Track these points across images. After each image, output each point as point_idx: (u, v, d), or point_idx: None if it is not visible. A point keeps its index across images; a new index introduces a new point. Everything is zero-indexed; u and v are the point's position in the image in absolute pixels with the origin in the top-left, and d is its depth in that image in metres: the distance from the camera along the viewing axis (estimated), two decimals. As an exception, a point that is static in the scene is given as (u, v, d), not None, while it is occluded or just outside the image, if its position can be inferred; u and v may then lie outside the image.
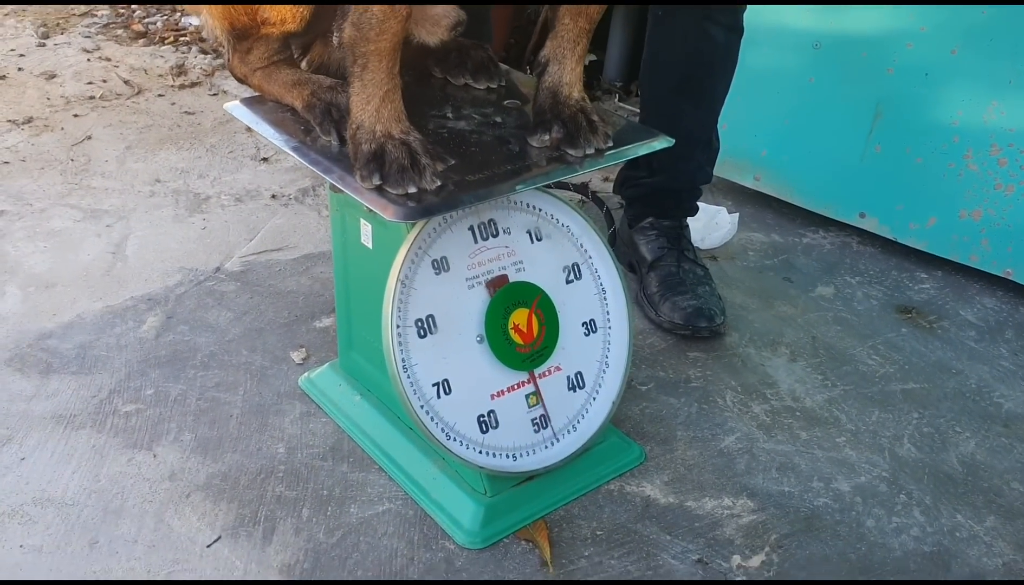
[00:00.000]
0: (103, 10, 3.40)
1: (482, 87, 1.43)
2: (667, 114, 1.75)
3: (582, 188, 1.96)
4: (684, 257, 1.82)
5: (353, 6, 1.05)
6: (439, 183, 1.11)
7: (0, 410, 1.47)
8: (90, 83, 2.78)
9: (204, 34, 1.31)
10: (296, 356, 1.64)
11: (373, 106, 1.10)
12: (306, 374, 1.58)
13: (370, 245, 1.33)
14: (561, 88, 1.24)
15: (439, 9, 1.29)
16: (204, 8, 1.31)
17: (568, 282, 1.37)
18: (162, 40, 3.14)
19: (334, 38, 1.12)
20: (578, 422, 1.37)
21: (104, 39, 3.16)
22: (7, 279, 1.81)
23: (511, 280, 1.30)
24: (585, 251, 1.38)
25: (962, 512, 1.38)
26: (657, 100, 1.77)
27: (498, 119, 1.33)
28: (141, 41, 3.15)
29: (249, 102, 1.35)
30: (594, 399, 1.39)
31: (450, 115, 1.33)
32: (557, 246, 1.36)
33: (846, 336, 1.78)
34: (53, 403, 1.49)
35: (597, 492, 1.38)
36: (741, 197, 2.26)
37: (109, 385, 1.54)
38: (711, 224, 2.05)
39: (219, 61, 2.98)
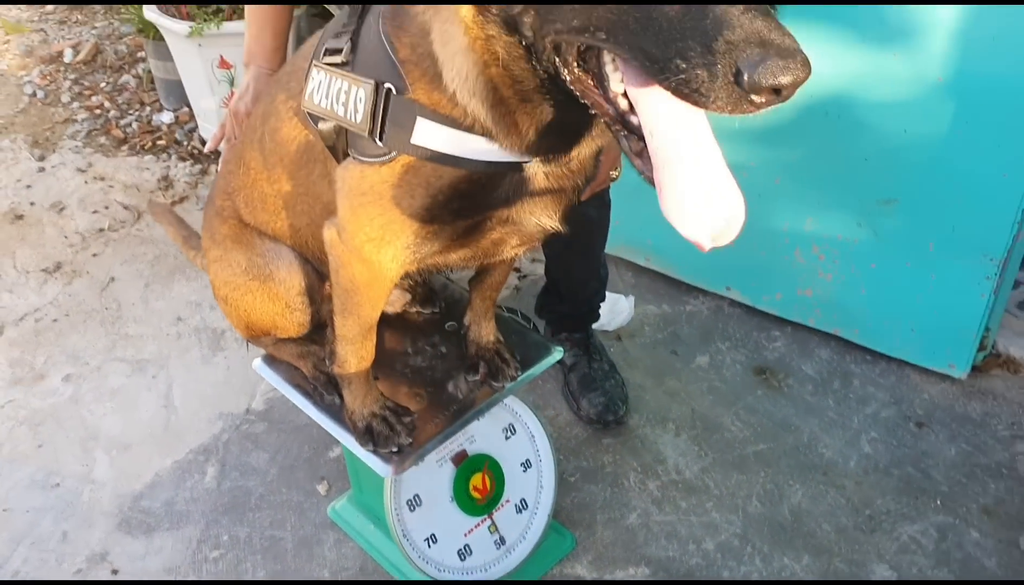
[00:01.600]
0: (82, 114, 3.86)
1: (427, 311, 2.01)
2: (563, 265, 2.35)
3: (513, 311, 2.57)
4: (593, 359, 2.44)
5: (337, 351, 1.64)
6: (411, 440, 1.72)
7: (127, 570, 2.10)
8: (95, 212, 3.30)
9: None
10: (321, 488, 2.27)
11: (359, 401, 1.70)
12: (332, 505, 2.21)
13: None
14: (481, 339, 1.85)
15: (394, 296, 1.88)
16: (228, 318, 1.87)
17: (507, 438, 2.00)
18: (142, 148, 3.63)
19: (327, 365, 1.72)
20: (526, 533, 2.02)
21: (92, 151, 3.64)
22: (94, 445, 2.42)
23: (469, 453, 1.92)
24: (516, 413, 2.00)
25: (788, 555, 2.06)
26: (554, 256, 2.36)
27: (443, 349, 1.93)
28: (125, 149, 3.65)
29: (269, 361, 1.93)
30: (535, 514, 2.03)
31: (409, 350, 1.93)
32: (496, 417, 1.97)
33: (717, 404, 2.43)
34: (162, 558, 2.12)
35: (545, 577, 2.05)
36: (638, 271, 2.87)
37: (196, 536, 2.17)
38: (614, 309, 2.66)
39: (198, 168, 3.50)
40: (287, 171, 1.55)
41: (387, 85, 1.25)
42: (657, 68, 0.94)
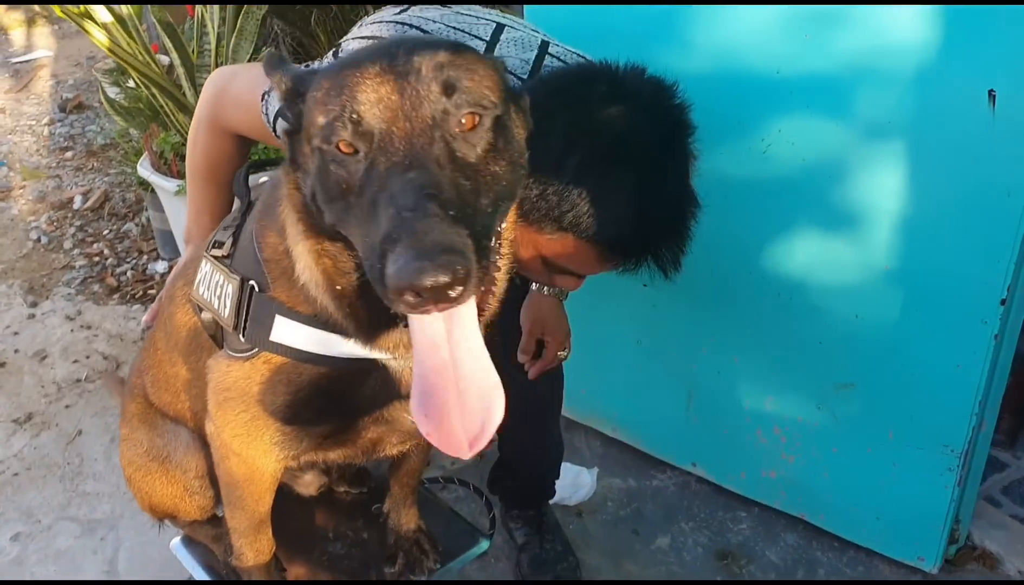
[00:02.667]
0: (80, 261, 3.95)
1: (356, 491, 1.96)
2: (515, 441, 2.29)
3: (466, 484, 2.50)
4: (545, 539, 2.35)
5: (233, 543, 1.58)
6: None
7: None
8: (76, 361, 3.32)
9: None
10: (251, 670, 2.17)
11: (258, 598, 1.64)
12: None
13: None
14: (400, 528, 1.78)
15: (308, 478, 1.84)
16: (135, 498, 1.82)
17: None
18: (132, 297, 3.68)
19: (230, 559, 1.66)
20: None
21: (83, 299, 3.70)
22: (29, 614, 2.36)
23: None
24: None
25: None
26: (506, 432, 2.24)
27: (365, 535, 1.86)
28: (116, 297, 3.70)
29: (186, 542, 1.88)
30: None
31: (330, 536, 1.86)
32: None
33: None
34: None
35: None
36: (607, 441, 2.79)
37: None
38: (576, 483, 2.57)
39: (182, 318, 3.53)
40: (182, 356, 1.54)
41: (251, 282, 1.26)
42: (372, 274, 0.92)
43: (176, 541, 1.89)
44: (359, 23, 1.70)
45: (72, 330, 3.51)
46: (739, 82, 2.02)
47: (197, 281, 1.39)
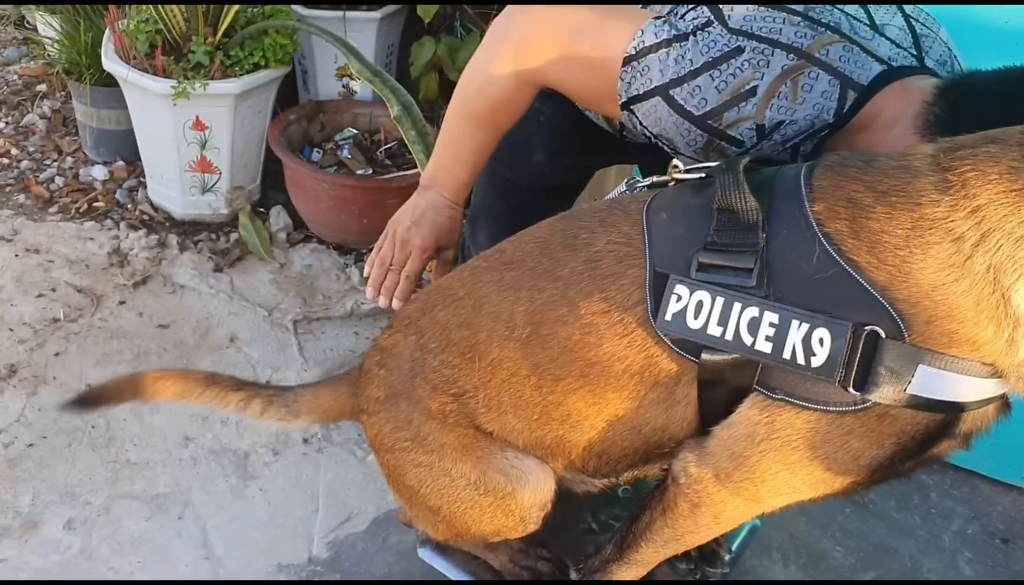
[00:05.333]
0: (-15, 164, 3.27)
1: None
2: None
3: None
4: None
5: (613, 571, 1.43)
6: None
7: None
8: (40, 295, 2.78)
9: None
10: (428, 658, 2.01)
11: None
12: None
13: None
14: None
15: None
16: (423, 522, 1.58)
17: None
18: (78, 212, 3.10)
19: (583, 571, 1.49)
20: None
21: (12, 214, 3.08)
22: (130, 617, 2.02)
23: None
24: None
25: None
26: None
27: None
28: (54, 211, 3.11)
29: (439, 549, 1.67)
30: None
31: (594, 528, 1.73)
32: None
33: (811, 527, 2.37)
34: None
35: None
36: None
37: None
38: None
39: (155, 239, 3.02)
40: (592, 389, 1.28)
41: (870, 327, 1.07)
42: None
43: (425, 551, 1.67)
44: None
45: (17, 255, 2.92)
46: None
47: (673, 312, 1.15)
